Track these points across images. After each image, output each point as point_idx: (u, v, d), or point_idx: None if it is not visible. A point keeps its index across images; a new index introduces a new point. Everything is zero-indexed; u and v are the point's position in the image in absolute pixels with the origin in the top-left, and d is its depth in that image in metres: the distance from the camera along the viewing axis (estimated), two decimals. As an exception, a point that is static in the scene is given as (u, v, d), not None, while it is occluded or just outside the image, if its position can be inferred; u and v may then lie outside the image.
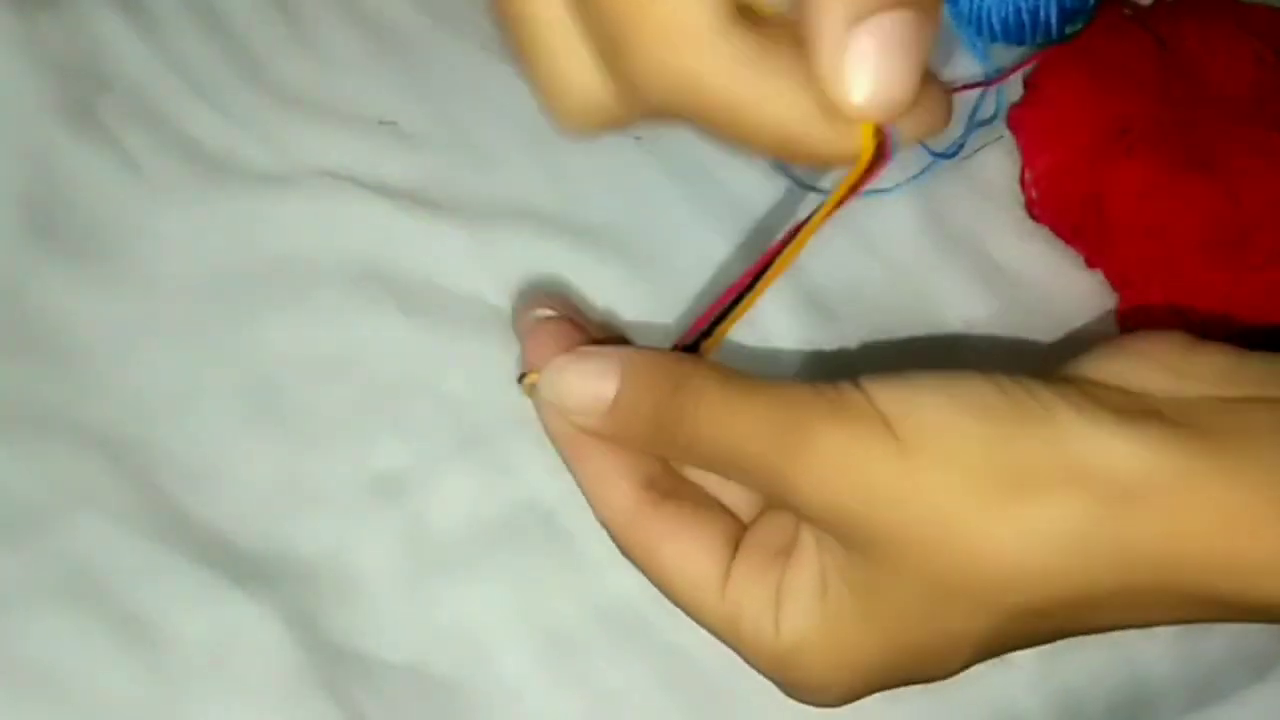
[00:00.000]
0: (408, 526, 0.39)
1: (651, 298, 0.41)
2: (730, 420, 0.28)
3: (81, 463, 0.39)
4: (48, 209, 0.42)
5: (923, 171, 0.42)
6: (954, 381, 0.27)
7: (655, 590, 0.37)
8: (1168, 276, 0.39)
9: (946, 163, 0.42)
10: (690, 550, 0.30)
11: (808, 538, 0.30)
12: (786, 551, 0.30)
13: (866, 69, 0.21)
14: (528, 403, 0.39)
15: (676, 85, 0.23)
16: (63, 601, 0.37)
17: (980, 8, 0.43)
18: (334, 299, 0.41)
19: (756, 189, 0.42)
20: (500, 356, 0.40)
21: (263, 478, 0.39)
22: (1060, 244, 0.41)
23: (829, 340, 0.41)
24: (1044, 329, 0.41)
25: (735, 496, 0.33)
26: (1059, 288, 0.41)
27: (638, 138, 0.38)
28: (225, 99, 0.43)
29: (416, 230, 0.42)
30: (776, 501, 0.30)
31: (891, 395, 0.27)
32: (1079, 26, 0.43)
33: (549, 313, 0.32)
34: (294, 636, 0.37)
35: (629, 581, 0.37)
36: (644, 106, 0.24)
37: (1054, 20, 0.42)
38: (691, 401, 0.28)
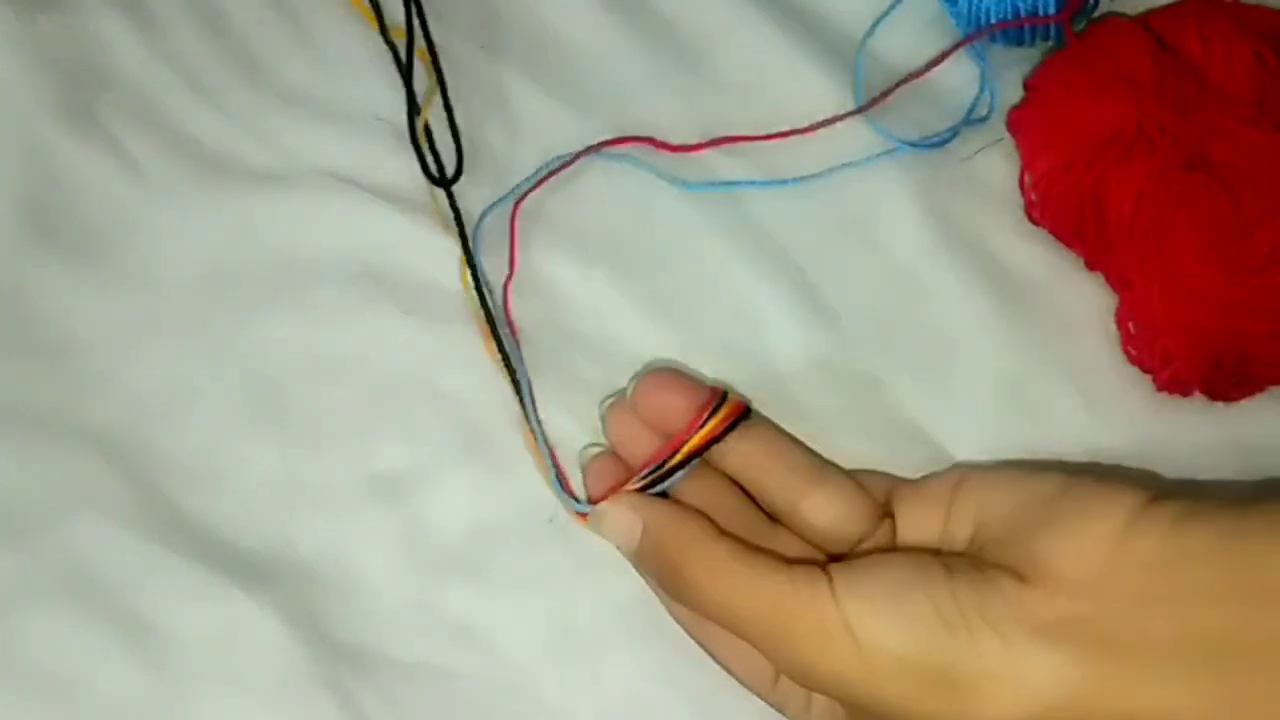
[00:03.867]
0: (407, 526, 0.39)
1: (648, 298, 0.41)
2: (728, 597, 0.34)
3: (81, 463, 0.39)
4: (48, 209, 0.42)
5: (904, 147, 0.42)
6: (905, 594, 0.32)
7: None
8: (1168, 277, 0.39)
9: (947, 163, 0.43)
10: (746, 651, 0.34)
11: None
12: None
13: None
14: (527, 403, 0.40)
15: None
16: (63, 601, 0.37)
17: (979, 8, 0.43)
18: (334, 299, 0.41)
19: (762, 205, 0.42)
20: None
21: (263, 478, 0.39)
22: (1060, 245, 0.41)
23: (828, 339, 0.41)
24: (1044, 330, 0.41)
25: None
26: (1059, 289, 0.41)
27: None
28: (225, 99, 0.43)
29: (416, 230, 0.42)
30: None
31: (857, 604, 0.32)
32: (1079, 27, 0.43)
33: (600, 450, 0.39)
34: (294, 635, 0.37)
35: (632, 579, 0.37)
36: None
37: (1051, 25, 0.42)
38: (696, 571, 0.34)
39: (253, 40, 0.44)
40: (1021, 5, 0.42)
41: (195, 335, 0.41)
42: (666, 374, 0.38)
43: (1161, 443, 0.39)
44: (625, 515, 0.36)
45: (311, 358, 0.40)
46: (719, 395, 0.37)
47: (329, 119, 0.43)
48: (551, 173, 0.42)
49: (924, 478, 0.38)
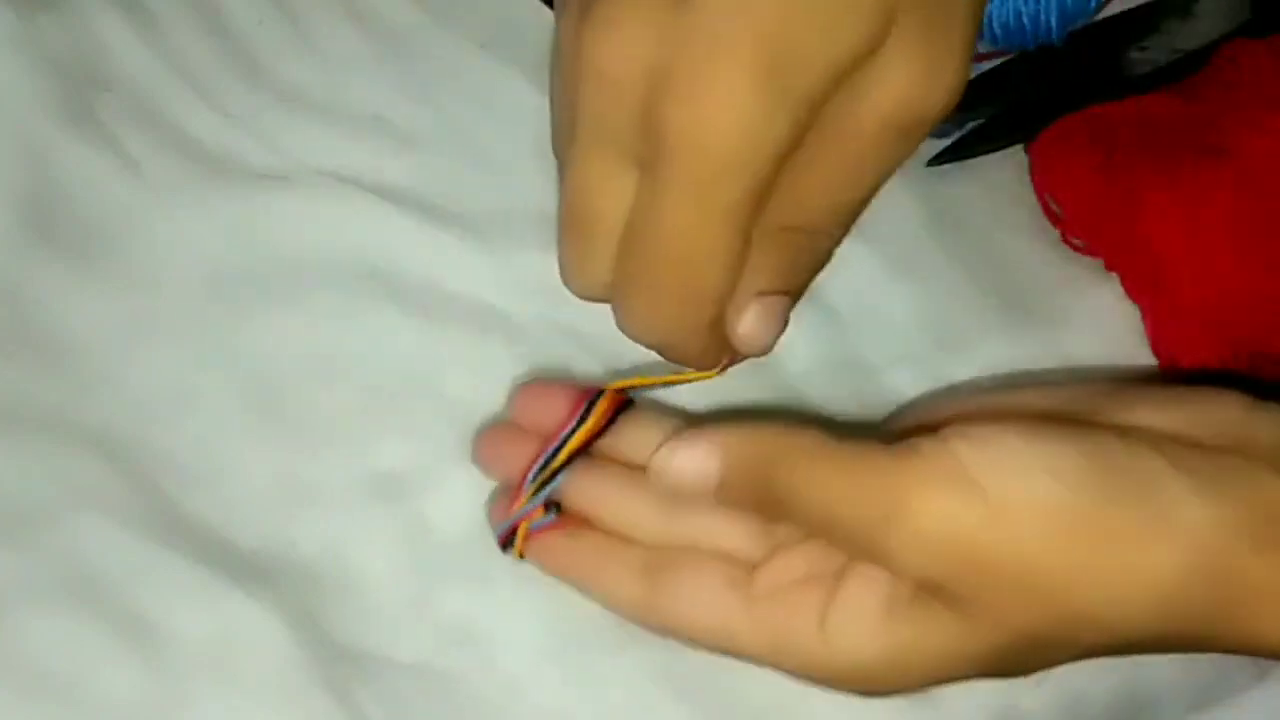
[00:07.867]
0: (408, 526, 0.39)
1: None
2: (825, 493, 0.31)
3: (81, 463, 0.39)
4: (48, 209, 0.42)
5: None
6: (1040, 441, 0.29)
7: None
8: (1193, 272, 0.38)
9: (955, 164, 0.43)
10: (701, 599, 0.34)
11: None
12: (836, 575, 0.32)
13: (749, 322, 0.30)
14: (528, 403, 0.39)
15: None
16: (63, 601, 0.37)
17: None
18: (334, 299, 0.41)
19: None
20: (500, 356, 0.40)
21: (263, 478, 0.39)
22: (1060, 243, 0.41)
23: (833, 339, 0.41)
24: (1047, 328, 0.41)
25: (739, 543, 0.35)
26: (1067, 288, 0.41)
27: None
28: (225, 99, 0.43)
29: (416, 230, 0.42)
30: (873, 562, 0.31)
31: (981, 459, 0.29)
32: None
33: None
34: (295, 636, 0.37)
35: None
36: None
37: (1054, 24, 0.42)
38: (786, 476, 0.31)
39: (253, 40, 0.44)
40: (1024, 8, 0.42)
41: (195, 335, 0.40)
42: (540, 383, 0.38)
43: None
44: (697, 452, 0.32)
45: (311, 358, 0.40)
46: (594, 392, 0.37)
47: (329, 119, 0.43)
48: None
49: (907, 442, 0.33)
